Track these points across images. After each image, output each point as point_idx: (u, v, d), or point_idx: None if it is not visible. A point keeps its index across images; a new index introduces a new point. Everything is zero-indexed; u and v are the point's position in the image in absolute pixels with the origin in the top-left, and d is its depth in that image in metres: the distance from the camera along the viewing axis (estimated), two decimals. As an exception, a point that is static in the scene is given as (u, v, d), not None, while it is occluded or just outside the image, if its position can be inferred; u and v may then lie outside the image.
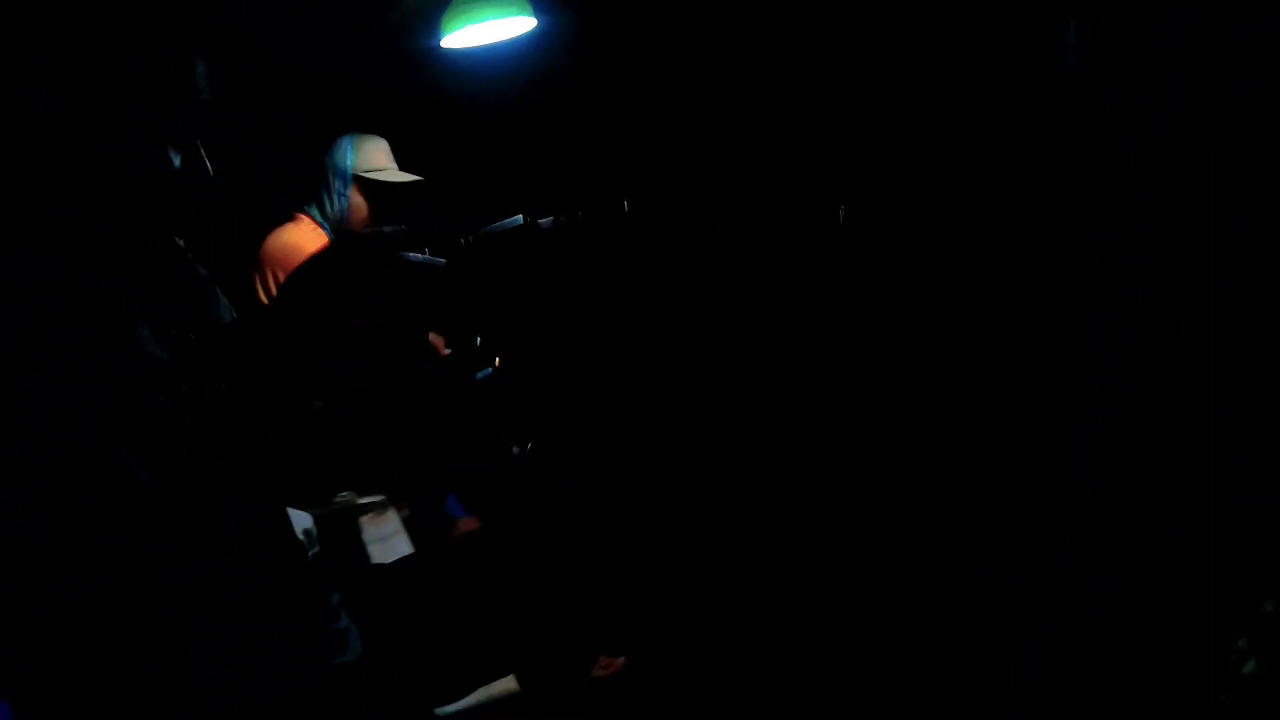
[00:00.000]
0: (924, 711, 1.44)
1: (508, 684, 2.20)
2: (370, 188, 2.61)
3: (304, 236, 2.55)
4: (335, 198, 2.60)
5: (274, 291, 2.47)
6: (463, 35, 2.48)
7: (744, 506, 2.47)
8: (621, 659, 2.28)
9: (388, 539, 2.01)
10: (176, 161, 1.08)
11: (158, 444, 0.99)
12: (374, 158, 2.63)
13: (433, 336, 3.27)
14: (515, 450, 2.71)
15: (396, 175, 2.64)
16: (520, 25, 2.51)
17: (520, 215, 2.16)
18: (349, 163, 2.58)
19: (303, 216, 2.59)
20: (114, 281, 1.05)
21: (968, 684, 0.92)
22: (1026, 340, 0.90)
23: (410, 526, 2.07)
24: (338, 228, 2.61)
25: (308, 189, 2.62)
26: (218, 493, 1.04)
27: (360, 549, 1.84)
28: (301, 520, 1.38)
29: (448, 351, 2.58)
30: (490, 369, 2.57)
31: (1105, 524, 0.89)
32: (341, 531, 1.70)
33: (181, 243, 1.23)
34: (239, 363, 1.07)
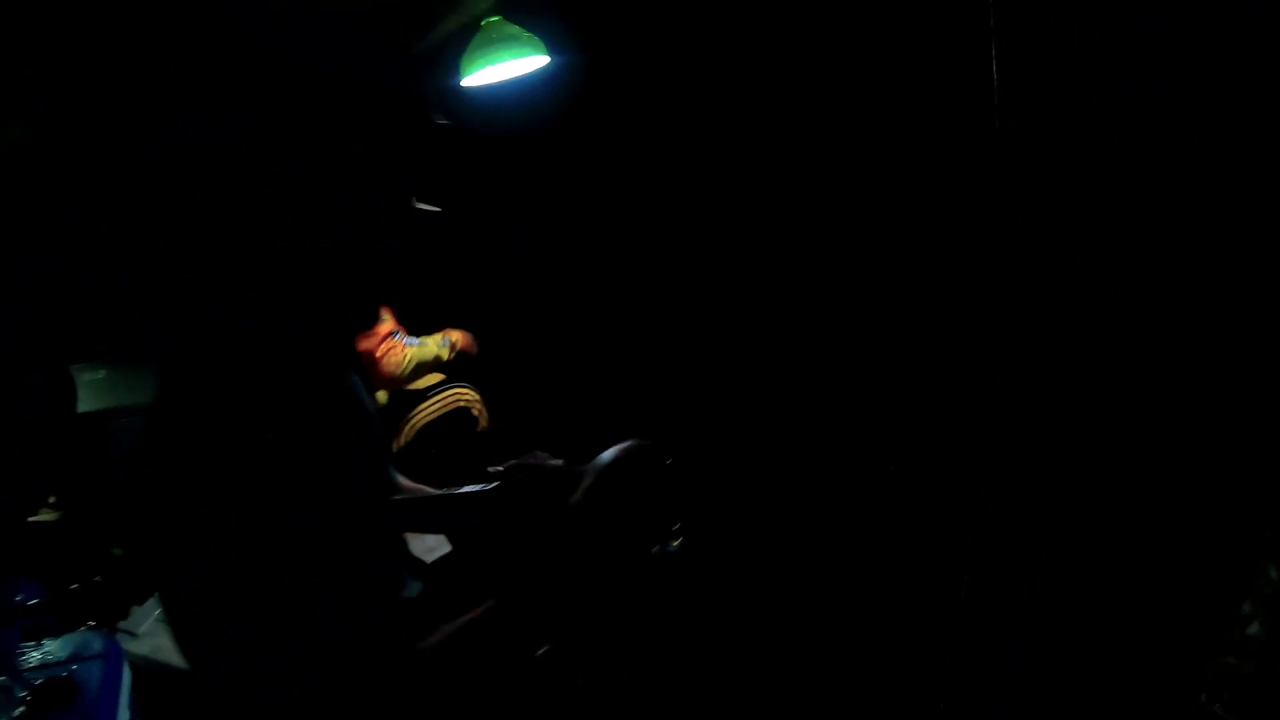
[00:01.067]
0: (905, 711, 1.45)
1: (509, 683, 2.20)
2: None
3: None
4: None
5: None
6: (481, 75, 2.62)
7: (733, 505, 2.48)
8: (621, 658, 2.28)
9: (435, 550, 2.02)
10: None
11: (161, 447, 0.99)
12: None
13: (460, 336, 3.40)
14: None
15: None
16: (534, 63, 2.65)
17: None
18: None
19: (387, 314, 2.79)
20: (114, 281, 1.05)
21: (949, 683, 0.92)
22: (1007, 338, 0.90)
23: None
24: None
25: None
26: (218, 493, 1.04)
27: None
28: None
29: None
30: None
31: (1087, 522, 0.90)
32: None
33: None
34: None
